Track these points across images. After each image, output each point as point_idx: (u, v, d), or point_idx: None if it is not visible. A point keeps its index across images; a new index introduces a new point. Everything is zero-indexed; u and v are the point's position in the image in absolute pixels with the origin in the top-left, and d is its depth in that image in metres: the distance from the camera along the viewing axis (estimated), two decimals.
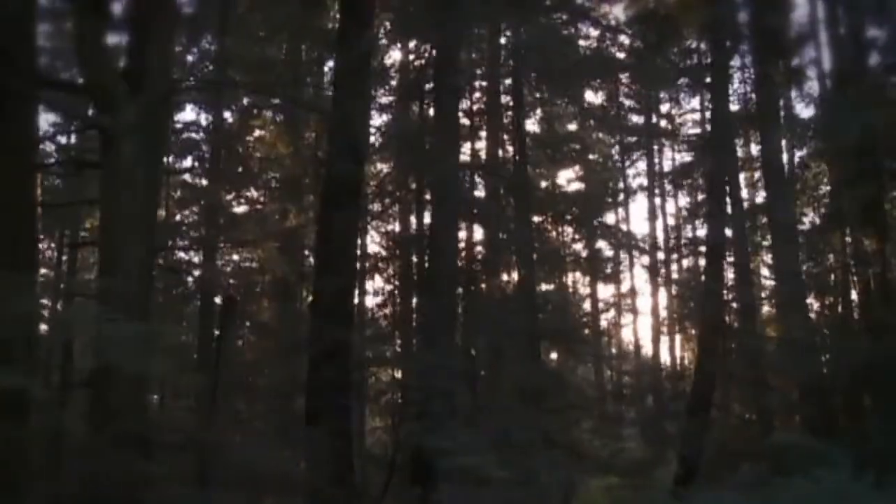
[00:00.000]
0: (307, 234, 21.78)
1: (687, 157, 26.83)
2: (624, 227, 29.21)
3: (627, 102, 28.11)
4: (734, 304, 17.48)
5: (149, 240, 10.16)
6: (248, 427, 15.37)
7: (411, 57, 21.42)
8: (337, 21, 21.23)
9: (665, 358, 29.34)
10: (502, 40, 20.33)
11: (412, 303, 20.48)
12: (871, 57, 18.04)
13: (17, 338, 7.44)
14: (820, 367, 14.39)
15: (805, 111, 22.08)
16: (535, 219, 20.30)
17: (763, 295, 20.98)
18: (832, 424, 13.45)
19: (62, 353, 11.93)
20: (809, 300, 18.91)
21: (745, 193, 23.02)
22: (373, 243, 22.84)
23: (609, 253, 27.50)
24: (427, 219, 18.11)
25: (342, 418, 14.25)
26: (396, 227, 23.21)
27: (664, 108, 28.77)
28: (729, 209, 18.05)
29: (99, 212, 10.96)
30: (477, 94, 20.99)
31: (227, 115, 20.07)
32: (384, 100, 21.20)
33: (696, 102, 26.70)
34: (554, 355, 22.99)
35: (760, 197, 23.74)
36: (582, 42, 21.90)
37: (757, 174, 24.01)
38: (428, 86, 18.50)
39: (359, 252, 18.35)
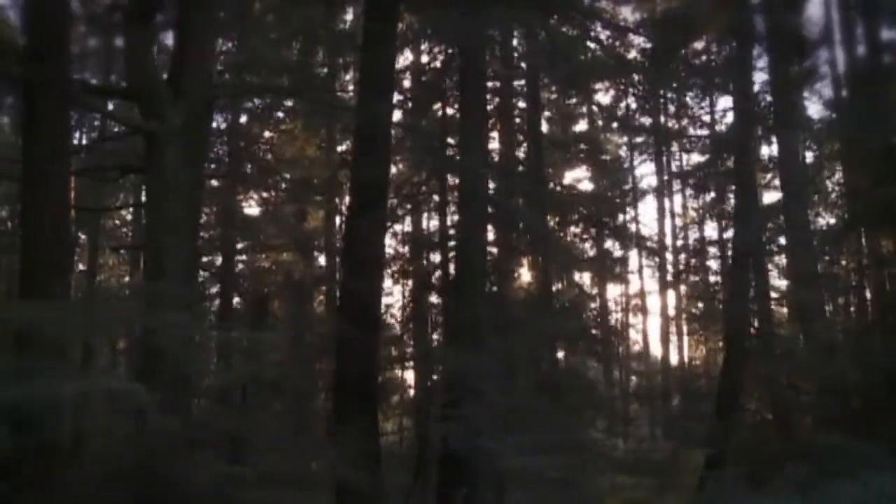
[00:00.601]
0: (325, 236, 21.95)
1: (697, 158, 27.24)
2: (633, 227, 29.31)
3: (636, 103, 28.19)
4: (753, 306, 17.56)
5: (192, 243, 10.23)
6: (276, 426, 15.43)
7: (424, 58, 21.52)
8: (347, 21, 21.66)
9: (672, 358, 29.69)
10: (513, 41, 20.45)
11: (424, 303, 20.62)
12: (885, 58, 18.14)
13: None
14: (844, 368, 14.45)
15: (820, 112, 22.13)
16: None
17: (774, 296, 21.09)
18: (859, 425, 13.53)
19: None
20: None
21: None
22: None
23: (619, 253, 27.63)
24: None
25: (369, 418, 14.37)
26: (406, 227, 23.36)
27: (674, 108, 28.71)
28: None
29: (144, 215, 11.07)
30: (488, 95, 21.09)
31: (244, 117, 20.21)
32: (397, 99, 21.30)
33: (706, 103, 26.82)
34: (560, 354, 23.13)
35: (769, 198, 23.95)
36: (592, 43, 22.03)
37: (768, 175, 24.14)
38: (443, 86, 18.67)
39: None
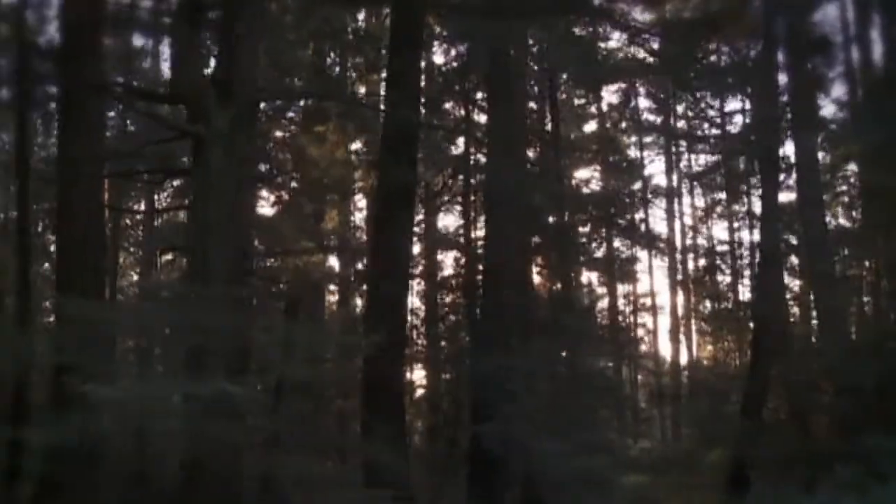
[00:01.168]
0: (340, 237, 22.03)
1: (707, 158, 27.40)
2: (643, 226, 29.36)
3: (646, 102, 28.38)
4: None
5: (237, 245, 10.30)
6: (308, 427, 15.49)
7: (438, 60, 21.62)
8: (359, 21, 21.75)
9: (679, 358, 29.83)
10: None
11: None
12: None
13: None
14: (866, 368, 14.55)
15: (835, 113, 22.23)
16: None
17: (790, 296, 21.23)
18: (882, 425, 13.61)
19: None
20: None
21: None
22: None
23: (629, 252, 27.77)
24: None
25: (397, 419, 14.46)
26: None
27: (683, 108, 28.82)
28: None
29: (189, 217, 11.12)
30: None
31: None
32: None
33: (715, 103, 26.93)
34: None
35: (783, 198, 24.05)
36: (604, 44, 22.16)
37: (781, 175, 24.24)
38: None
39: None
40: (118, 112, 15.44)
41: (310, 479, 8.78)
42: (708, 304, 30.10)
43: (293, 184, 19.93)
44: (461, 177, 19.57)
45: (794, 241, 20.77)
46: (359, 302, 24.50)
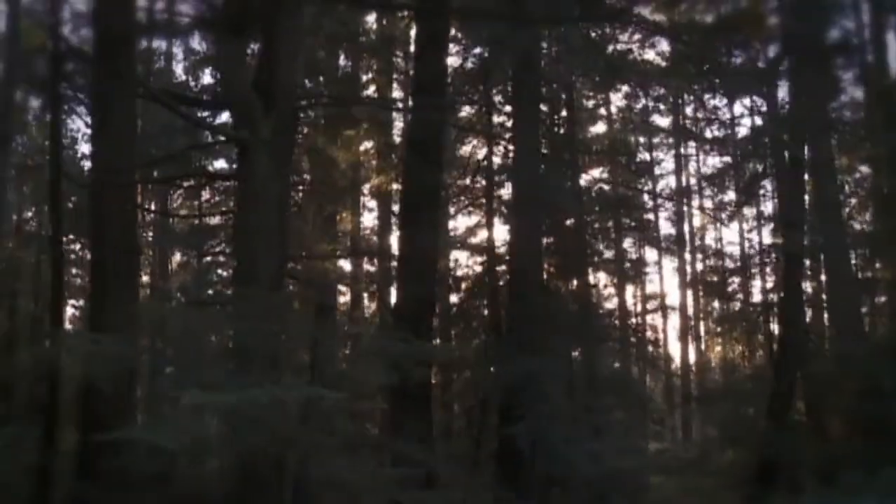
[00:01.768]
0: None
1: (716, 160, 27.56)
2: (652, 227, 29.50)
3: (655, 103, 28.47)
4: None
5: (281, 250, 10.42)
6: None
7: (454, 62, 21.75)
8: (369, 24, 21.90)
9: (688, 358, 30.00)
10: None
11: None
12: None
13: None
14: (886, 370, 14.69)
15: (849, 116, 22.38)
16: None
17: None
18: None
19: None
20: None
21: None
22: None
23: (639, 253, 27.94)
24: None
25: (425, 420, 14.62)
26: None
27: (692, 110, 28.97)
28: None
29: (234, 223, 11.24)
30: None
31: None
32: None
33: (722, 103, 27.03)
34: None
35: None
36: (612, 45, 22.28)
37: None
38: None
39: None
40: (155, 116, 15.51)
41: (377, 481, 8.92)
42: (716, 304, 30.42)
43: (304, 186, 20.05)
44: (481, 178, 19.67)
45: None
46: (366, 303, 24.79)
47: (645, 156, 29.54)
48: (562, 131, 20.96)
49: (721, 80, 20.69)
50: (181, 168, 14.13)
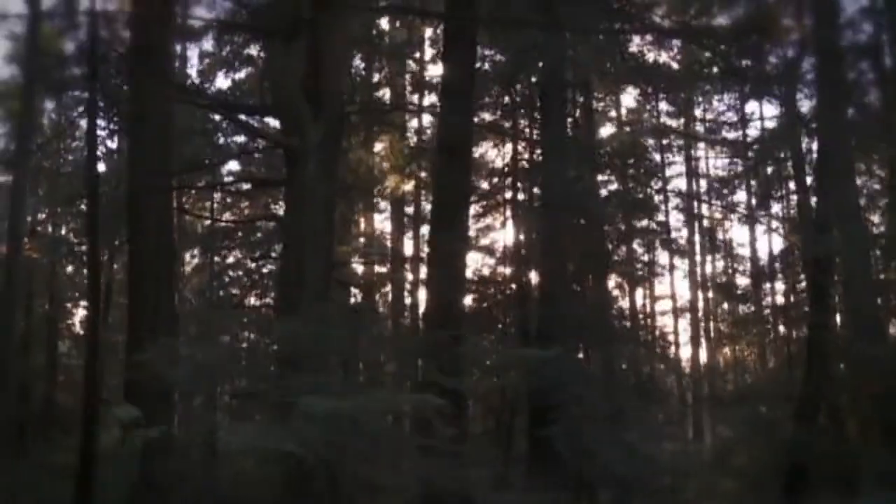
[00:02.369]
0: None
1: (731, 162, 27.74)
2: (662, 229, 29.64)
3: (664, 106, 28.66)
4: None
5: (329, 254, 10.55)
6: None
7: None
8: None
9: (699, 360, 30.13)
10: None
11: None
12: None
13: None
14: None
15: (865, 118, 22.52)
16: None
17: None
18: None
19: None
20: None
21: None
22: None
23: (650, 256, 28.05)
24: None
25: (459, 421, 14.69)
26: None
27: (708, 113, 29.13)
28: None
29: (283, 227, 11.35)
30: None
31: None
32: None
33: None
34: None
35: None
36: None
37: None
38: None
39: None
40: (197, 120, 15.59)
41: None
42: (725, 306, 30.61)
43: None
44: (502, 181, 19.83)
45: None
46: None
47: (657, 157, 29.78)
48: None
49: (741, 83, 20.85)
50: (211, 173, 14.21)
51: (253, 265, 21.92)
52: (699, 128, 30.69)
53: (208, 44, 18.65)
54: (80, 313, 29.62)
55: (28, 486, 15.07)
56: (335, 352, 7.58)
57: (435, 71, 22.74)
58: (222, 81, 20.36)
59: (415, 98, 23.61)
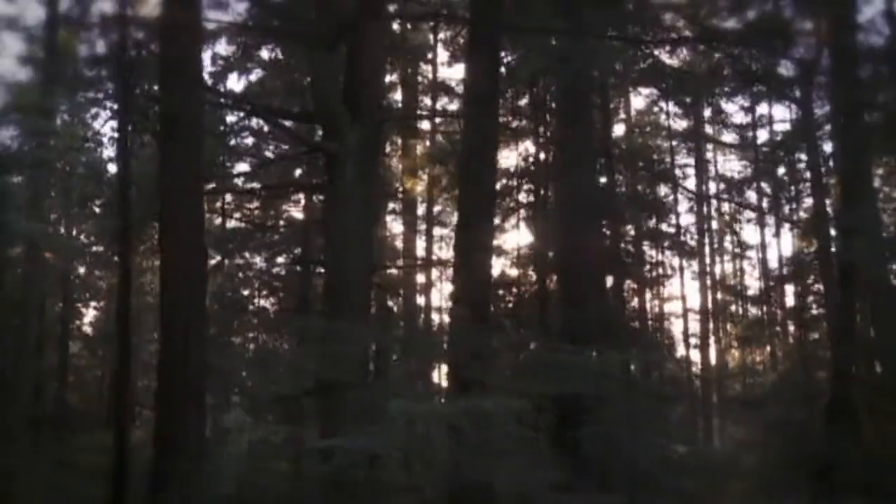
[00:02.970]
0: None
1: (741, 164, 27.87)
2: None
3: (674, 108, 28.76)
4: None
5: (369, 257, 10.63)
6: None
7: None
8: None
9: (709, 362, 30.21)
10: None
11: None
12: None
13: None
14: None
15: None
16: None
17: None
18: None
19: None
20: None
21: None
22: None
23: (660, 257, 28.14)
24: None
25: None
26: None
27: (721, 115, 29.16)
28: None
29: (325, 231, 11.44)
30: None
31: None
32: None
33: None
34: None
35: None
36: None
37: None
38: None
39: None
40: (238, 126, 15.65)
41: None
42: (734, 308, 30.75)
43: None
44: (524, 183, 19.93)
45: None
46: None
47: (666, 158, 29.87)
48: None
49: (756, 85, 20.95)
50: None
51: (263, 266, 21.98)
52: (710, 130, 30.72)
53: (220, 46, 18.70)
54: (91, 314, 29.77)
55: (53, 486, 15.14)
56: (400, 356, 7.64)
57: (448, 73, 23.01)
58: (234, 83, 20.65)
59: (427, 101, 23.85)
